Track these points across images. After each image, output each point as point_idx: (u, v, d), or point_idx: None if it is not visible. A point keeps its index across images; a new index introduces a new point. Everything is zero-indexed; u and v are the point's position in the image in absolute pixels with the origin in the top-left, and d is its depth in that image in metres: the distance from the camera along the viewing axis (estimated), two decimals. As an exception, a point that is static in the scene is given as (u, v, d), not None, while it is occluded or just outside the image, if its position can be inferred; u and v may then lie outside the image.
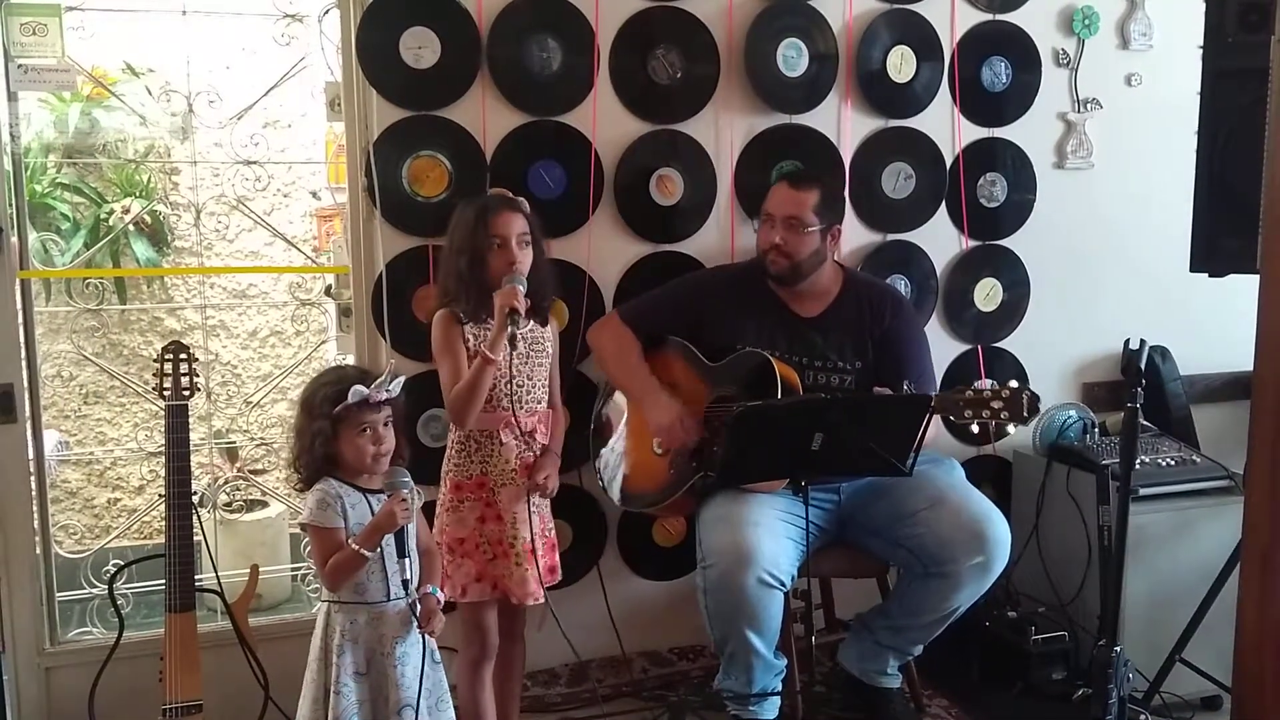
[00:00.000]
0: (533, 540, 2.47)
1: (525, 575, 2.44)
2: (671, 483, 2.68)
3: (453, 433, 2.52)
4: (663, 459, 2.71)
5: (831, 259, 2.86)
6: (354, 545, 2.14)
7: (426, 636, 2.23)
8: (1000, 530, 2.61)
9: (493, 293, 2.43)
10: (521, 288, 2.40)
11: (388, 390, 2.21)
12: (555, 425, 2.60)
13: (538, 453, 2.50)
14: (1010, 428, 2.41)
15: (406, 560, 2.17)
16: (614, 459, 2.84)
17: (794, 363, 2.75)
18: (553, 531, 2.60)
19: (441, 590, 2.35)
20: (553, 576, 2.56)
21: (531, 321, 2.51)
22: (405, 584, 2.17)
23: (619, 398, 2.87)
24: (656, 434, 2.70)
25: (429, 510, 2.54)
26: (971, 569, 2.59)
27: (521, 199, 2.55)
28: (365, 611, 2.20)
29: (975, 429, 2.39)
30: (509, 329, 2.35)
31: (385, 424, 2.23)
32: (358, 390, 2.15)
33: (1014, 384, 2.36)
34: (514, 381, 2.44)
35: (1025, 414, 2.34)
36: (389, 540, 2.17)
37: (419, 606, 2.20)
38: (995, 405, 2.35)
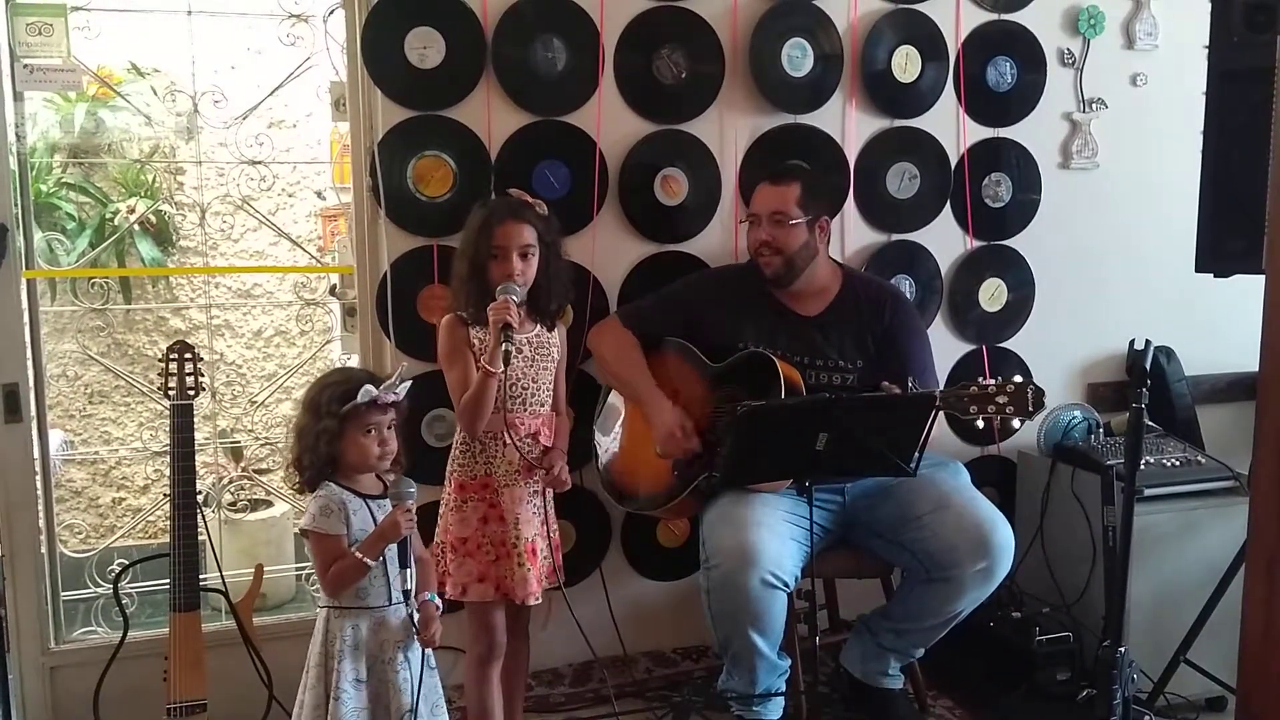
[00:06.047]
0: (548, 538, 2.47)
1: (528, 575, 2.44)
2: (675, 485, 2.68)
3: (458, 433, 2.52)
4: (665, 461, 2.71)
5: (826, 256, 2.86)
6: (357, 553, 2.14)
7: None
8: (1004, 536, 2.60)
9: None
10: (514, 298, 2.37)
11: (395, 393, 2.21)
12: (560, 428, 2.59)
13: (539, 455, 2.49)
14: (1016, 422, 2.41)
15: (408, 571, 2.17)
16: (615, 460, 2.84)
17: (795, 362, 2.75)
18: (556, 533, 2.59)
19: (442, 589, 2.35)
20: (555, 577, 2.56)
21: (539, 327, 2.52)
22: (406, 594, 2.17)
23: (617, 398, 2.87)
24: (657, 440, 2.69)
25: (433, 510, 2.54)
26: (975, 574, 2.58)
27: (538, 203, 2.52)
28: (368, 616, 2.19)
29: (980, 424, 2.39)
30: (503, 345, 2.33)
31: (390, 426, 2.23)
32: (367, 390, 2.15)
33: (1018, 379, 2.37)
34: (519, 384, 2.45)
35: (1030, 408, 2.35)
36: (391, 547, 2.17)
37: (417, 615, 2.20)
38: (1000, 400, 2.37)
